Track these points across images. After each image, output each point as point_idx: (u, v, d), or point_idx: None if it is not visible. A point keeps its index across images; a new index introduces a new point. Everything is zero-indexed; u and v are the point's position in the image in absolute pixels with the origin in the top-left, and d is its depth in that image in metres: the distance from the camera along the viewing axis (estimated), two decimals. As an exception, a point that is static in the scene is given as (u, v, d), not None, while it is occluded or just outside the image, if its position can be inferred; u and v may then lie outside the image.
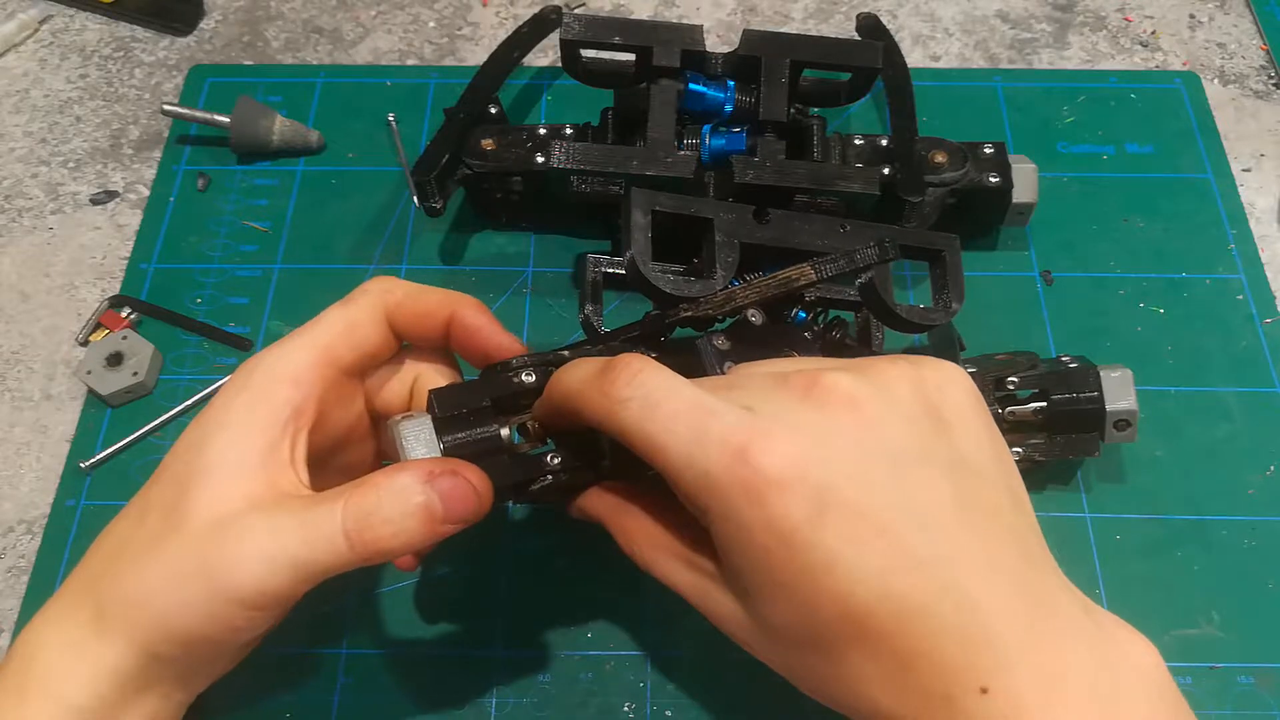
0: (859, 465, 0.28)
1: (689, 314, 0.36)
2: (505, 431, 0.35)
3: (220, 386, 0.35)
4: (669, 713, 0.42)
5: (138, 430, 0.48)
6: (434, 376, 0.38)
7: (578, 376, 0.33)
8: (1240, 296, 0.52)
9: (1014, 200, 0.50)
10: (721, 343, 0.37)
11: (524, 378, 0.36)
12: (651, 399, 0.30)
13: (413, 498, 0.31)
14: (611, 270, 0.45)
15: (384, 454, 0.40)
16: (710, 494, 0.29)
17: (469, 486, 0.32)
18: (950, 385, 0.31)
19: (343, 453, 0.37)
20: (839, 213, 0.47)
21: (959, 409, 0.31)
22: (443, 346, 0.38)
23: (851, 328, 0.46)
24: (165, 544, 0.31)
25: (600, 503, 0.36)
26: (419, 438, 0.33)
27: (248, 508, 0.31)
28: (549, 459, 0.35)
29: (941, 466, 0.29)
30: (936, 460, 0.29)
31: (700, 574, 0.32)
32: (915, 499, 0.28)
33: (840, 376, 0.30)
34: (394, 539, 0.31)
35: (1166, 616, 0.44)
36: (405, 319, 0.37)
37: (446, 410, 0.34)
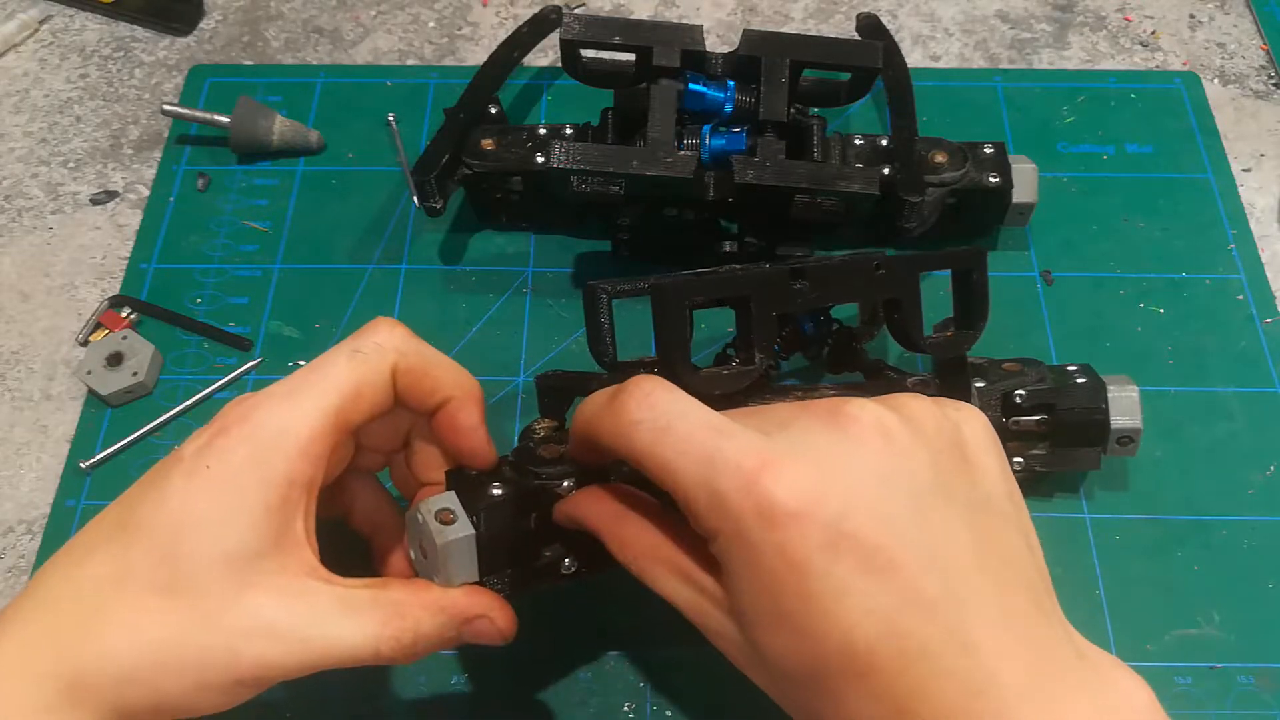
0: (879, 496, 0.28)
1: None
2: (533, 525, 0.35)
3: (212, 438, 0.32)
4: (669, 713, 0.42)
5: (138, 430, 0.48)
6: (427, 431, 0.37)
7: (592, 405, 0.33)
8: (1240, 296, 0.52)
9: (1014, 200, 0.50)
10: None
11: (566, 489, 0.36)
12: (661, 421, 0.30)
13: (446, 633, 0.33)
14: (624, 294, 0.43)
15: (353, 467, 0.38)
16: (723, 516, 0.28)
17: (498, 632, 0.34)
18: (970, 424, 0.31)
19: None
20: (839, 212, 0.47)
21: (980, 449, 0.31)
22: (427, 415, 0.36)
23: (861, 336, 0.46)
24: (174, 626, 0.30)
25: (596, 509, 0.34)
26: (462, 556, 0.34)
27: (269, 600, 0.31)
28: (565, 563, 0.37)
29: (962, 506, 0.29)
30: (958, 499, 0.29)
31: (701, 592, 0.31)
32: (933, 537, 0.28)
33: (867, 405, 0.29)
34: (419, 659, 0.33)
35: (1166, 616, 0.44)
36: (409, 387, 0.35)
37: (494, 529, 0.34)
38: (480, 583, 0.35)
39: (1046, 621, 0.28)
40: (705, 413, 0.30)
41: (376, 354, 0.34)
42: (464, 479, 0.35)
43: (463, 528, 0.33)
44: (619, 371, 0.39)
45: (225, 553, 0.30)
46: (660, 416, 0.30)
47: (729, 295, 0.36)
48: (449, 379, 0.35)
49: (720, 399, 0.36)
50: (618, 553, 0.33)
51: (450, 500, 0.34)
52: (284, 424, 0.32)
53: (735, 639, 0.30)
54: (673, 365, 0.34)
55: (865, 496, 0.28)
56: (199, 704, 0.31)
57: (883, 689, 0.27)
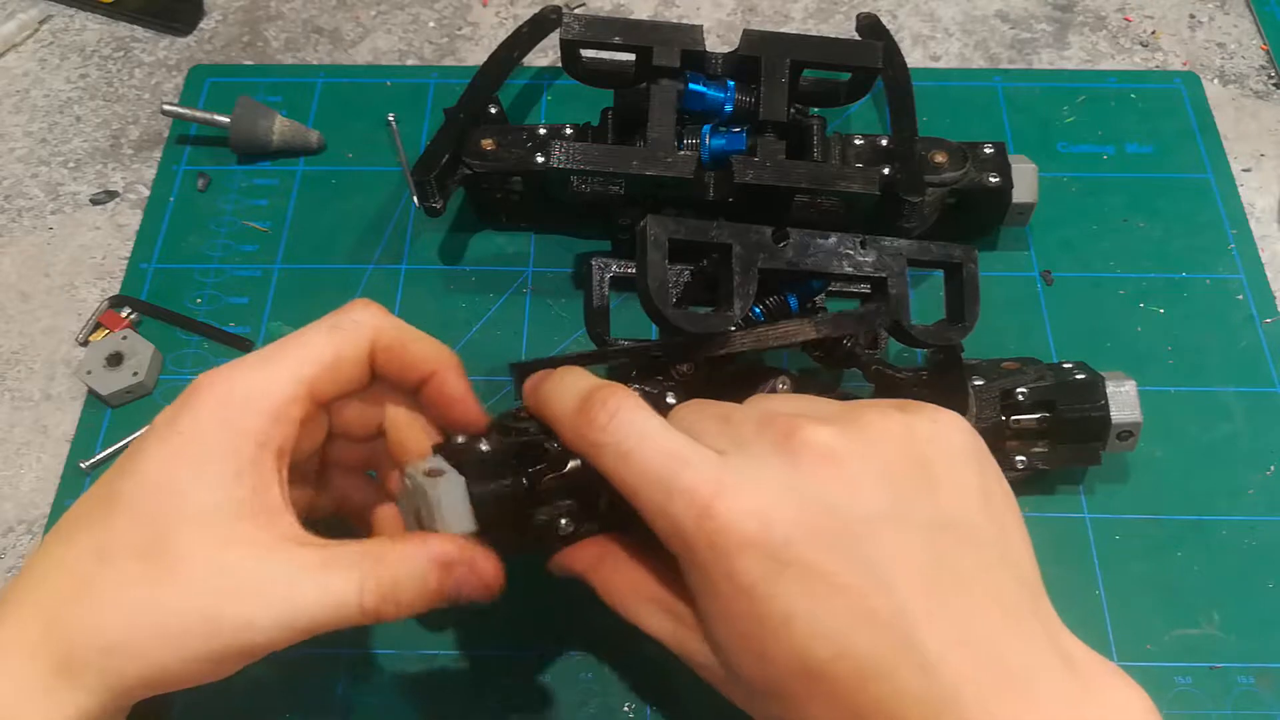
0: (823, 522, 0.28)
1: (717, 353, 0.38)
2: (526, 481, 0.35)
3: (184, 404, 0.32)
4: (669, 714, 0.42)
5: (138, 430, 0.48)
6: (404, 411, 0.37)
7: (557, 406, 0.33)
8: (1240, 296, 0.52)
9: (1014, 200, 0.50)
10: (783, 386, 0.39)
11: (555, 444, 0.36)
12: (624, 446, 0.31)
13: (429, 583, 0.32)
14: (619, 274, 0.45)
15: (328, 461, 0.39)
16: (680, 543, 0.30)
17: (482, 583, 0.33)
18: (943, 438, 0.31)
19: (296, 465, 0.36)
20: (839, 212, 0.47)
21: (950, 463, 0.30)
22: (411, 391, 0.37)
23: (860, 334, 0.46)
24: (151, 592, 0.30)
25: (580, 557, 0.36)
26: (455, 505, 0.33)
27: (249, 558, 0.30)
28: (562, 524, 0.36)
29: (918, 526, 0.29)
30: (914, 520, 0.29)
31: (679, 621, 0.32)
32: (883, 559, 0.28)
33: (821, 429, 0.30)
34: (405, 612, 0.32)
35: (1166, 616, 0.44)
36: (389, 363, 0.35)
37: (482, 480, 0.34)
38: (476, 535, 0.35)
39: (1020, 634, 0.28)
40: (665, 436, 0.31)
41: (354, 329, 0.35)
42: (449, 443, 0.36)
43: (453, 477, 0.34)
44: (606, 347, 0.40)
45: (198, 513, 0.30)
46: (623, 440, 0.31)
47: (710, 240, 0.38)
48: (428, 352, 0.36)
49: (720, 380, 0.36)
50: (604, 596, 0.35)
51: (435, 460, 0.34)
52: (255, 388, 0.32)
53: (711, 663, 0.31)
54: (653, 299, 0.36)
55: (812, 523, 0.28)
56: (186, 672, 0.30)
57: (841, 705, 0.27)
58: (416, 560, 0.32)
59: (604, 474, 0.32)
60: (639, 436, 0.31)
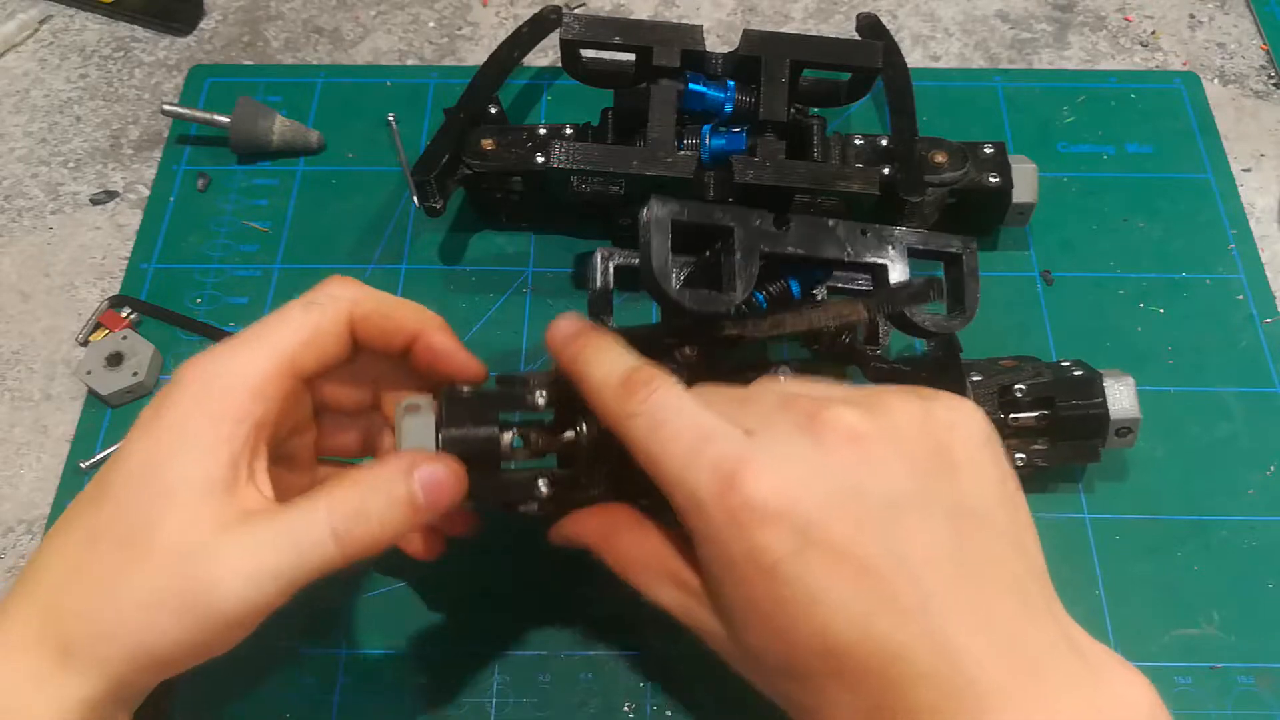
0: (849, 503, 0.28)
1: (734, 333, 0.37)
2: (507, 437, 0.35)
3: (165, 392, 0.32)
4: (669, 713, 0.42)
5: (138, 430, 0.48)
6: (396, 381, 0.38)
7: (599, 378, 0.33)
8: (1240, 296, 0.52)
9: (1014, 200, 0.50)
10: (785, 376, 0.38)
11: (537, 398, 0.36)
12: (656, 417, 0.31)
13: (396, 489, 0.32)
14: (623, 264, 0.45)
15: (323, 447, 0.39)
16: (698, 516, 0.29)
17: (448, 474, 0.33)
18: (962, 425, 0.31)
19: (284, 445, 0.37)
20: (839, 212, 0.47)
21: (969, 450, 0.31)
22: (400, 356, 0.37)
23: (859, 329, 0.46)
24: (131, 574, 0.30)
25: (588, 526, 0.36)
26: (419, 434, 0.34)
27: (216, 532, 0.30)
28: (540, 484, 0.36)
29: (941, 511, 0.29)
30: (936, 504, 0.29)
31: (688, 592, 0.32)
32: (907, 543, 0.28)
33: (845, 411, 0.30)
34: (381, 532, 0.31)
35: (1166, 616, 0.44)
36: (370, 332, 0.36)
37: (454, 420, 0.35)
38: None
39: (1035, 623, 0.28)
40: (697, 413, 0.31)
41: (331, 303, 0.35)
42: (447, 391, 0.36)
43: (426, 413, 0.34)
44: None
45: (176, 494, 0.30)
46: (657, 411, 0.31)
47: (713, 222, 0.38)
48: (411, 315, 0.36)
49: (723, 367, 0.36)
50: (614, 566, 0.35)
51: (420, 397, 0.35)
52: (233, 370, 0.32)
53: (722, 635, 0.31)
54: (655, 278, 0.36)
55: (836, 504, 0.28)
56: (172, 652, 0.30)
57: (861, 686, 0.28)
58: (379, 473, 0.32)
59: (629, 443, 0.32)
60: (674, 410, 0.31)
